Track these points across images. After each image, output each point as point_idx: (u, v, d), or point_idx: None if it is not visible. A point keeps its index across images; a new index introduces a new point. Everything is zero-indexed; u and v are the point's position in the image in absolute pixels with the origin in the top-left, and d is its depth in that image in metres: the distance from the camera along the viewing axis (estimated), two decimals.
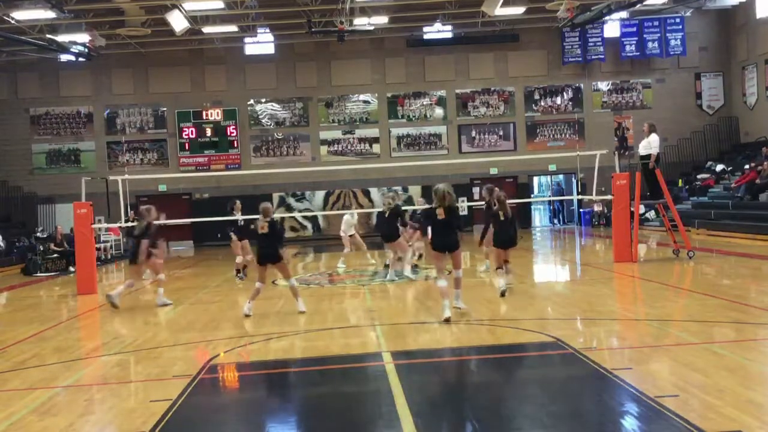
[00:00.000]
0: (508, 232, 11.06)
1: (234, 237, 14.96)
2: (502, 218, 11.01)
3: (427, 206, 11.07)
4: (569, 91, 28.73)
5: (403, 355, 7.42)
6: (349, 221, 17.00)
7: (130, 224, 14.03)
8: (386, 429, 5.28)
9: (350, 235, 16.88)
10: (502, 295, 10.67)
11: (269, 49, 28.25)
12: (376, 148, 28.56)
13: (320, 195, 28.09)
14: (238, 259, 15.00)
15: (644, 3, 23.45)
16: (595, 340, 7.95)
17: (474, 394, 6.28)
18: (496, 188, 12.16)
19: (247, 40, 27.62)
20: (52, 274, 19.70)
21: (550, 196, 32.15)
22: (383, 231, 13.88)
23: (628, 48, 27.93)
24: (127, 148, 28.07)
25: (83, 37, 23.71)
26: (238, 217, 14.92)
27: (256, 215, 10.51)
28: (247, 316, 10.06)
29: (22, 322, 11.20)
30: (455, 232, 9.29)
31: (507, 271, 11.16)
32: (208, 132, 28.04)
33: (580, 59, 28.07)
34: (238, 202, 15.33)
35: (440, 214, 9.13)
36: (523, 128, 28.68)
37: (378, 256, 17.54)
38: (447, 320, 8.81)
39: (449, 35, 27.92)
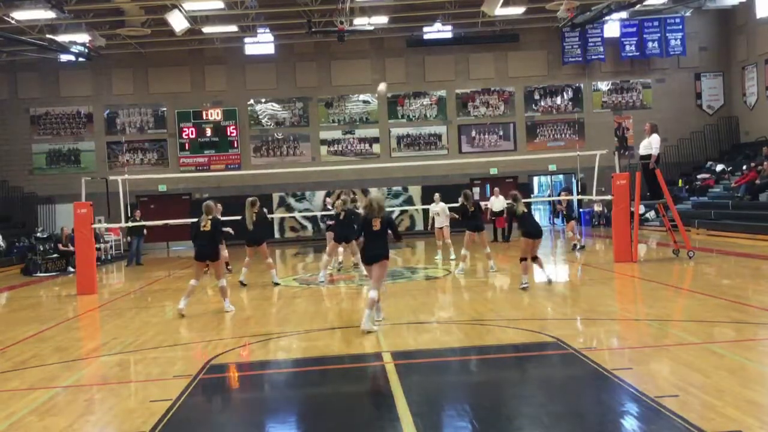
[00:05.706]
0: (478, 219, 14.47)
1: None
2: (472, 208, 14.29)
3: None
4: (569, 91, 28.72)
5: (403, 355, 7.41)
6: None
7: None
8: (386, 429, 5.27)
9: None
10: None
11: (269, 49, 28.23)
12: (376, 148, 28.55)
13: (320, 195, 28.05)
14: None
15: (644, 3, 23.43)
16: (595, 340, 7.94)
17: (474, 394, 6.27)
18: (468, 190, 14.88)
19: (247, 40, 27.60)
20: (52, 274, 19.70)
21: (551, 196, 32.09)
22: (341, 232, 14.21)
23: (628, 48, 27.91)
24: (127, 148, 28.05)
25: (83, 37, 23.69)
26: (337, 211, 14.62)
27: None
28: None
29: (22, 322, 11.19)
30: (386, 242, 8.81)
31: (463, 258, 14.25)
32: (208, 132, 28.02)
33: (580, 59, 28.05)
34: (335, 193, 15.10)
35: (375, 225, 8.71)
36: (523, 128, 28.66)
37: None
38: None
39: (449, 35, 27.90)
